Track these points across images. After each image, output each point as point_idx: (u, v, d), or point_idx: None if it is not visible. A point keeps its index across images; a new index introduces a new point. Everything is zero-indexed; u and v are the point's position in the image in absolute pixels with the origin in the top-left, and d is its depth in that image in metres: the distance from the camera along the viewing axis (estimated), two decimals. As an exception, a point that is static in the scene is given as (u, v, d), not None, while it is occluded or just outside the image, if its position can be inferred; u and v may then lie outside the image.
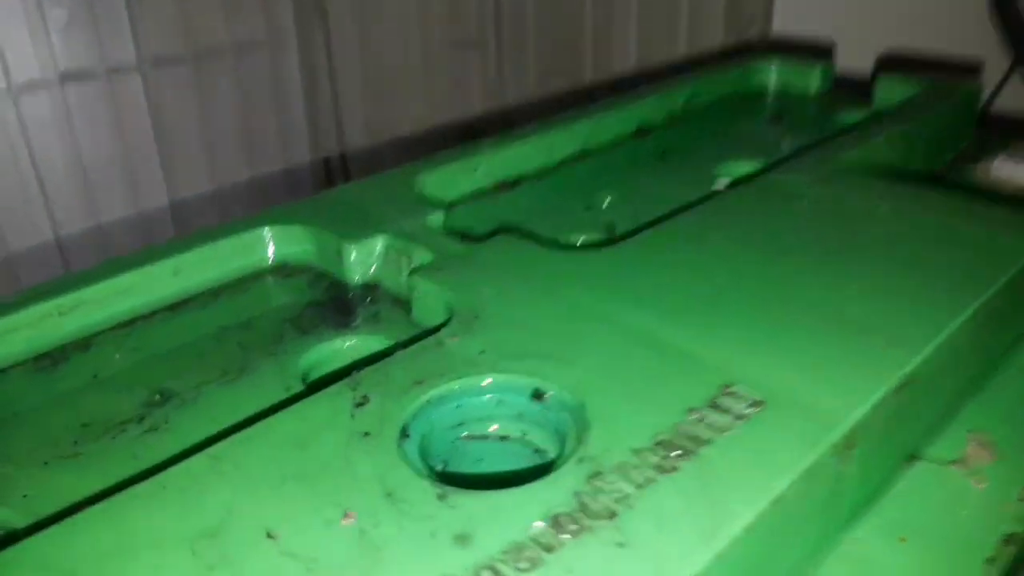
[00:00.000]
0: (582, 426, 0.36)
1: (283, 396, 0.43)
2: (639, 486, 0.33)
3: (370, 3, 0.92)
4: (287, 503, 0.33)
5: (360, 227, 0.54)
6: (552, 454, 0.38)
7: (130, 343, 0.49)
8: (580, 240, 0.59)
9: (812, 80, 0.87)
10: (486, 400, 0.40)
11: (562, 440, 0.38)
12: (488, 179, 0.66)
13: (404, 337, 0.47)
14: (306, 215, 0.57)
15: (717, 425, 0.36)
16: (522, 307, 0.45)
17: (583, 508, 0.32)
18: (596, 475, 0.33)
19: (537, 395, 0.39)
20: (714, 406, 0.37)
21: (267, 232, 0.56)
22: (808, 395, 0.38)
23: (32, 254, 0.75)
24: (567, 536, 0.31)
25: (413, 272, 0.49)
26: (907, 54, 1.18)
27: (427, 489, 0.33)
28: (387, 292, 0.52)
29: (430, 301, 0.48)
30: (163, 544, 0.31)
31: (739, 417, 0.36)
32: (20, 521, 0.36)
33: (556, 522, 0.31)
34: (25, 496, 0.37)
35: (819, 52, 1.04)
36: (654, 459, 0.34)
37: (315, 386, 0.43)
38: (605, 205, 0.63)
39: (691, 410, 0.37)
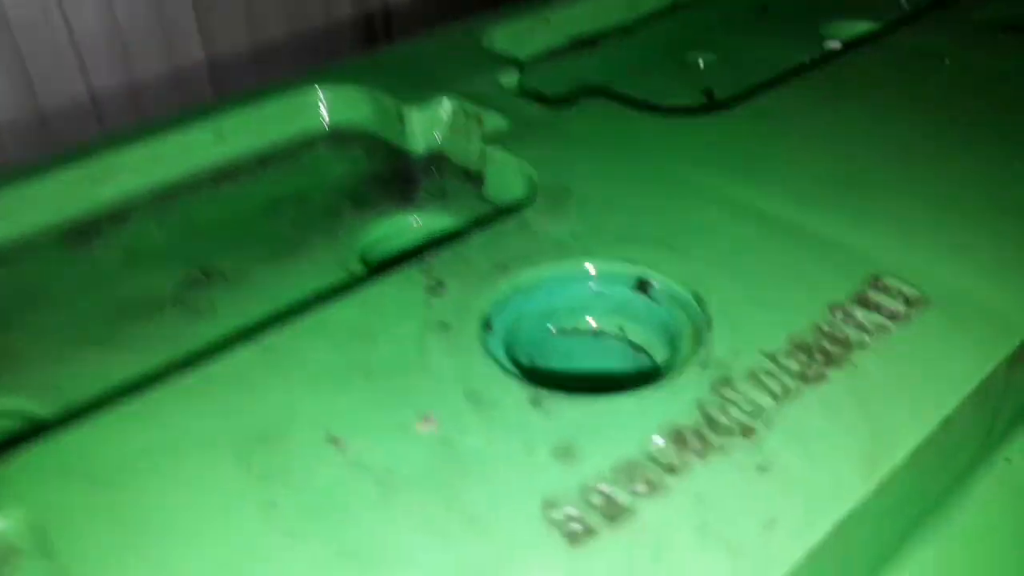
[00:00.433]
0: (700, 324, 0.30)
1: (342, 278, 0.38)
2: (777, 398, 0.27)
3: None
4: (353, 403, 0.27)
5: (422, 88, 0.47)
6: (659, 356, 0.33)
7: (170, 217, 0.43)
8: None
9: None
10: (581, 289, 0.34)
11: (672, 340, 0.32)
12: (562, 35, 0.58)
13: (477, 215, 0.41)
14: (361, 75, 0.50)
15: (867, 325, 0.29)
16: (619, 183, 0.38)
17: (710, 423, 0.26)
18: (724, 382, 0.27)
19: (642, 285, 0.33)
20: (862, 302, 0.30)
21: (319, 92, 0.49)
22: (976, 291, 0.31)
23: (64, 112, 0.69)
24: (692, 456, 0.25)
25: (487, 141, 0.43)
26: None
27: (518, 390, 0.28)
28: (455, 164, 0.45)
29: (508, 174, 0.42)
30: (209, 450, 0.26)
31: (893, 316, 0.30)
32: (43, 411, 0.31)
33: (679, 437, 0.26)
34: (52, 384, 0.33)
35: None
36: (794, 366, 0.28)
37: (380, 268, 0.37)
38: (702, 65, 0.55)
39: (833, 306, 0.30)
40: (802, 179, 0.38)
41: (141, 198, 0.44)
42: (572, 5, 0.58)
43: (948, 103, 0.44)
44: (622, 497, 0.24)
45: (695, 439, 0.26)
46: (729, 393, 0.27)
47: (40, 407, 0.32)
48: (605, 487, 0.24)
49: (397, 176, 0.46)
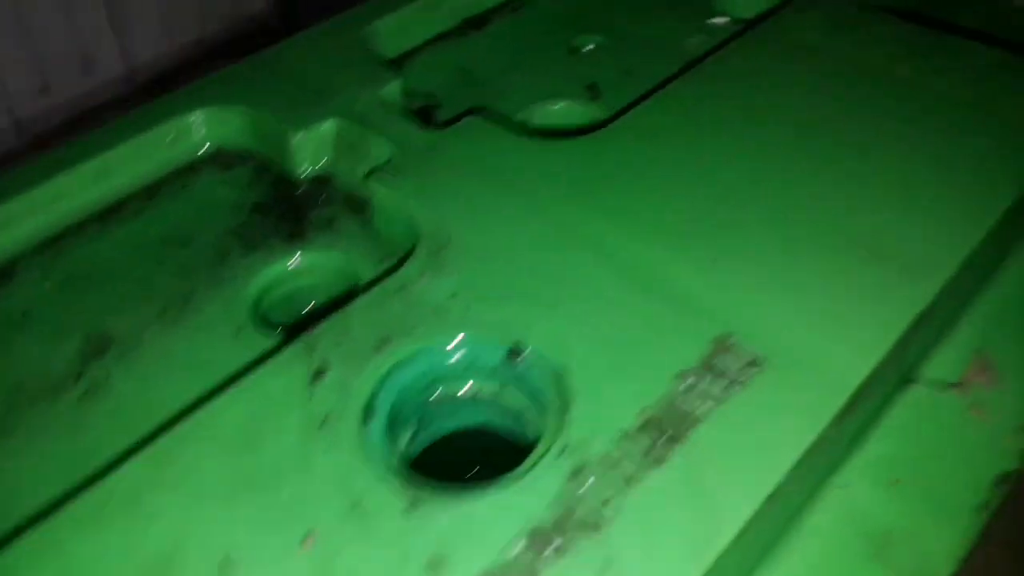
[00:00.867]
0: (565, 393, 0.33)
1: (231, 343, 0.39)
2: (626, 483, 0.30)
3: None
4: (243, 520, 0.30)
5: (306, 105, 0.47)
6: (532, 419, 0.35)
7: (59, 267, 0.43)
8: (559, 106, 0.51)
9: None
10: (458, 359, 0.36)
11: (542, 406, 0.34)
12: (452, 19, 0.57)
13: (362, 249, 0.43)
14: (242, 88, 0.49)
15: (711, 392, 0.33)
16: (496, 223, 0.40)
17: (567, 515, 0.29)
18: (579, 470, 0.31)
19: (513, 353, 0.35)
20: (708, 367, 0.33)
21: (198, 116, 0.48)
22: (810, 345, 0.34)
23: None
24: (549, 554, 0.29)
25: (371, 174, 0.43)
26: None
27: (395, 497, 0.30)
28: (341, 190, 0.46)
29: (391, 210, 0.43)
30: (110, 581, 0.28)
31: (733, 382, 0.33)
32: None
33: (537, 538, 0.29)
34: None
35: None
36: (644, 442, 0.31)
37: (268, 327, 0.39)
38: (591, 48, 0.55)
39: (683, 374, 0.33)
40: (668, 216, 0.40)
41: (27, 249, 0.44)
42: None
43: (815, 108, 0.45)
44: (488, 599, 0.28)
45: (554, 535, 0.29)
46: (584, 481, 0.30)
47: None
48: (473, 592, 0.28)
49: (283, 204, 0.46)
